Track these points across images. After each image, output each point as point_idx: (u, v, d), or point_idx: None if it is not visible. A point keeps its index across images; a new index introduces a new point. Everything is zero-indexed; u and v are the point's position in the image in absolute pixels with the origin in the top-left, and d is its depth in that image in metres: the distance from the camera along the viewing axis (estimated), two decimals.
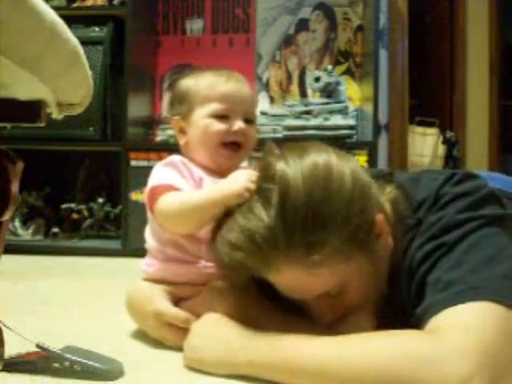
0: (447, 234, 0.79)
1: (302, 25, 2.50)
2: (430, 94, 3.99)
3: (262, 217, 0.77)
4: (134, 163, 2.23)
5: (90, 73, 0.65)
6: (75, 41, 0.58)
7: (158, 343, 0.98)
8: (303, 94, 2.48)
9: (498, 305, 0.70)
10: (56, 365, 0.83)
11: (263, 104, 2.45)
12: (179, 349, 0.91)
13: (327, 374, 0.72)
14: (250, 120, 1.08)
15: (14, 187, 0.60)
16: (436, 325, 0.71)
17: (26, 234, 2.35)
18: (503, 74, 3.84)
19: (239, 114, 1.06)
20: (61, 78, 0.59)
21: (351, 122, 2.23)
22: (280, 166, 0.80)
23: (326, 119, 2.21)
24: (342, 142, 2.11)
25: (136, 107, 2.35)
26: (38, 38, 0.51)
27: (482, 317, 0.69)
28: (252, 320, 0.87)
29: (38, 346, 0.84)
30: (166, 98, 2.42)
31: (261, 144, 0.93)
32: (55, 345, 0.85)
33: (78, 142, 2.32)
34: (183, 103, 1.09)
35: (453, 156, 3.28)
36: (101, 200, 2.43)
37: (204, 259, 1.01)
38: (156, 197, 0.98)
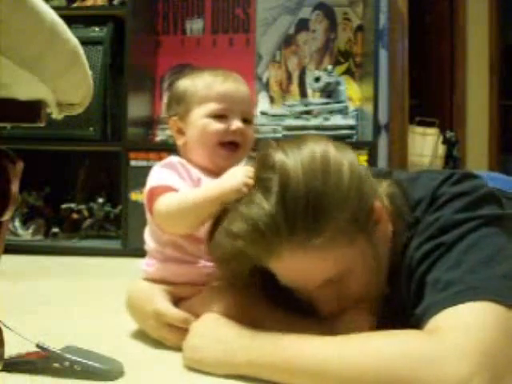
0: (446, 234, 0.79)
1: (302, 25, 2.50)
2: (429, 94, 3.99)
3: (263, 205, 0.78)
4: (133, 163, 2.23)
5: (90, 73, 0.65)
6: (75, 41, 0.58)
7: (157, 343, 0.98)
8: (303, 93, 2.48)
9: (498, 305, 0.70)
10: (56, 365, 0.83)
11: (263, 104, 2.45)
12: (179, 349, 0.91)
13: (327, 373, 0.72)
14: (247, 120, 1.08)
15: (14, 187, 0.60)
16: (436, 325, 0.71)
17: (25, 234, 2.35)
18: (503, 74, 3.84)
19: (237, 113, 1.06)
20: (61, 78, 0.59)
21: (351, 121, 2.23)
22: (279, 156, 0.81)
23: (326, 119, 2.21)
24: (341, 142, 2.11)
25: (136, 107, 2.35)
26: (38, 38, 0.51)
27: (481, 317, 0.69)
28: (251, 320, 0.87)
29: (37, 346, 0.84)
30: (166, 98, 2.42)
31: (259, 144, 0.93)
32: (55, 345, 0.85)
33: (77, 142, 2.32)
34: (181, 104, 1.09)
35: (453, 156, 3.28)
36: (101, 200, 2.43)
37: (203, 259, 1.01)
38: (154, 198, 0.98)
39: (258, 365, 0.79)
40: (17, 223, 2.36)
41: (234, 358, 0.81)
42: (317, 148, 0.81)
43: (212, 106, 1.05)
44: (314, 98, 2.37)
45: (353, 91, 2.41)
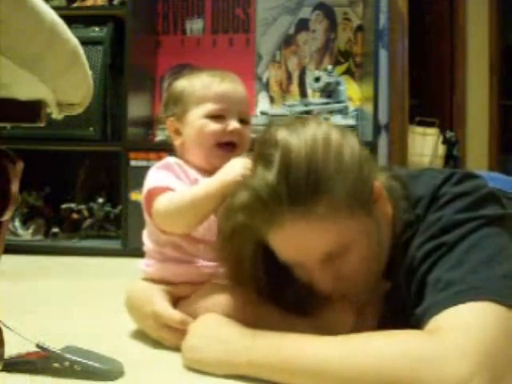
0: (447, 234, 0.79)
1: (302, 25, 2.50)
2: (429, 94, 3.98)
3: (264, 176, 0.79)
4: (133, 163, 2.23)
5: (90, 73, 0.65)
6: (75, 41, 0.58)
7: (157, 343, 0.98)
8: (303, 94, 2.48)
9: (499, 305, 0.70)
10: (56, 365, 0.83)
11: (263, 104, 2.45)
12: (179, 349, 0.91)
13: (327, 373, 0.72)
14: (244, 120, 1.08)
15: (14, 187, 0.60)
16: (436, 325, 0.71)
17: (25, 234, 2.35)
18: (503, 73, 3.84)
19: (234, 114, 1.06)
20: (61, 78, 0.59)
21: (351, 121, 2.23)
22: (282, 134, 0.82)
23: (326, 119, 2.21)
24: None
25: (136, 107, 2.35)
26: (38, 38, 0.51)
27: (482, 317, 0.69)
28: (251, 320, 0.87)
29: (37, 346, 0.84)
30: (163, 99, 2.42)
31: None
32: (55, 345, 0.85)
33: (77, 142, 2.32)
34: (178, 104, 1.09)
35: (453, 156, 3.28)
36: (101, 200, 2.43)
37: (202, 259, 1.01)
38: (153, 198, 0.98)
39: (259, 365, 0.79)
40: (17, 223, 2.36)
41: (234, 358, 0.81)
42: (319, 129, 0.83)
43: (209, 107, 1.05)
44: (314, 98, 2.37)
45: (353, 91, 2.41)
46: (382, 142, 2.41)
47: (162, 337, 0.98)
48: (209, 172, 1.04)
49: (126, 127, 2.26)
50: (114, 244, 2.28)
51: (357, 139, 0.86)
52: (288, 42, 2.51)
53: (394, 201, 0.89)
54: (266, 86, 2.51)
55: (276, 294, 0.92)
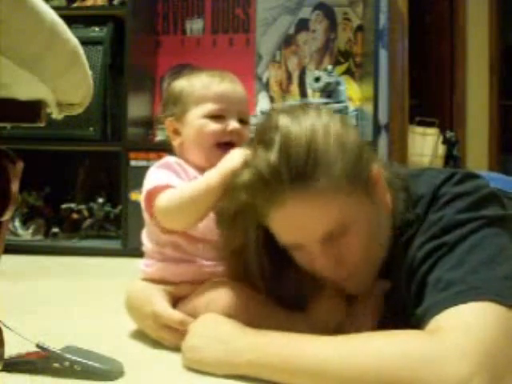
0: (448, 234, 0.79)
1: (302, 25, 2.50)
2: (429, 94, 3.98)
3: (265, 156, 0.80)
4: (133, 163, 2.23)
5: (90, 73, 0.65)
6: (75, 41, 0.58)
7: (157, 343, 0.98)
8: (303, 94, 2.48)
9: (499, 305, 0.70)
10: (56, 365, 0.83)
11: (263, 104, 2.45)
12: (179, 349, 0.91)
13: (327, 373, 0.72)
14: (243, 120, 1.08)
15: (14, 187, 0.60)
16: (437, 325, 0.71)
17: (25, 234, 2.35)
18: (503, 73, 3.84)
19: (234, 114, 1.06)
20: (61, 78, 0.59)
21: (351, 121, 2.23)
22: (282, 120, 0.83)
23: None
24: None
25: (136, 107, 2.35)
26: (38, 38, 0.51)
27: (482, 317, 0.69)
28: (251, 319, 0.87)
29: (37, 346, 0.84)
30: (162, 99, 2.42)
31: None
32: (55, 345, 0.85)
33: (78, 142, 2.32)
34: (177, 104, 1.09)
35: (453, 156, 3.28)
36: (101, 200, 2.43)
37: (202, 258, 1.01)
38: (154, 197, 0.98)
39: (259, 365, 0.79)
40: (17, 223, 2.36)
41: (234, 358, 0.81)
42: (320, 115, 0.84)
43: (209, 107, 1.05)
44: (314, 98, 2.37)
45: (353, 91, 2.41)
46: (382, 142, 2.41)
47: (161, 337, 0.98)
48: None
49: (125, 127, 2.26)
50: (114, 244, 2.28)
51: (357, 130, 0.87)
52: (288, 42, 2.51)
53: (393, 191, 0.89)
54: (266, 86, 2.51)
55: (277, 286, 0.93)
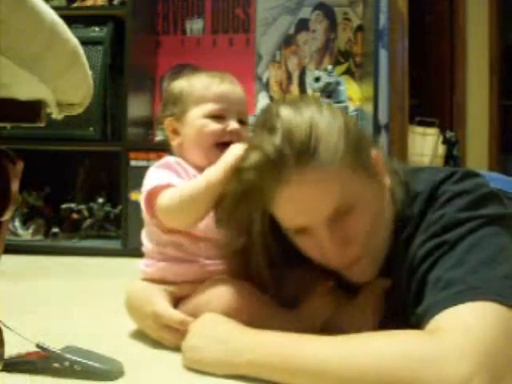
0: (449, 233, 0.79)
1: (302, 25, 2.50)
2: (429, 94, 3.98)
3: (270, 140, 0.82)
4: (133, 163, 2.23)
5: (90, 73, 0.65)
6: (75, 41, 0.58)
7: (157, 343, 0.98)
8: (303, 93, 2.48)
9: (499, 305, 0.70)
10: (56, 365, 0.83)
11: (263, 104, 2.45)
12: (179, 349, 0.91)
13: (327, 373, 0.72)
14: (243, 121, 1.08)
15: (14, 187, 0.60)
16: (436, 325, 0.71)
17: (25, 234, 2.35)
18: (503, 73, 3.84)
19: (233, 114, 1.06)
20: (61, 78, 0.59)
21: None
22: (284, 111, 0.84)
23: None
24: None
25: (136, 107, 2.35)
26: (38, 38, 0.51)
27: (482, 317, 0.69)
28: (251, 319, 0.87)
29: (37, 346, 0.84)
30: (162, 99, 2.43)
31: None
32: (55, 345, 0.85)
33: (78, 142, 2.32)
34: (177, 104, 1.09)
35: (453, 156, 3.28)
36: (101, 200, 2.43)
37: (203, 257, 1.01)
38: (155, 197, 0.98)
39: (259, 365, 0.79)
40: (17, 223, 2.36)
41: (234, 358, 0.81)
42: (321, 106, 0.86)
43: (210, 107, 1.06)
44: None
45: (353, 91, 2.41)
46: (382, 142, 2.41)
47: (161, 337, 0.98)
48: None
49: (125, 127, 2.26)
50: (114, 244, 2.28)
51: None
52: (288, 41, 2.51)
53: (393, 181, 0.90)
54: (266, 86, 2.51)
55: (278, 285, 0.93)
